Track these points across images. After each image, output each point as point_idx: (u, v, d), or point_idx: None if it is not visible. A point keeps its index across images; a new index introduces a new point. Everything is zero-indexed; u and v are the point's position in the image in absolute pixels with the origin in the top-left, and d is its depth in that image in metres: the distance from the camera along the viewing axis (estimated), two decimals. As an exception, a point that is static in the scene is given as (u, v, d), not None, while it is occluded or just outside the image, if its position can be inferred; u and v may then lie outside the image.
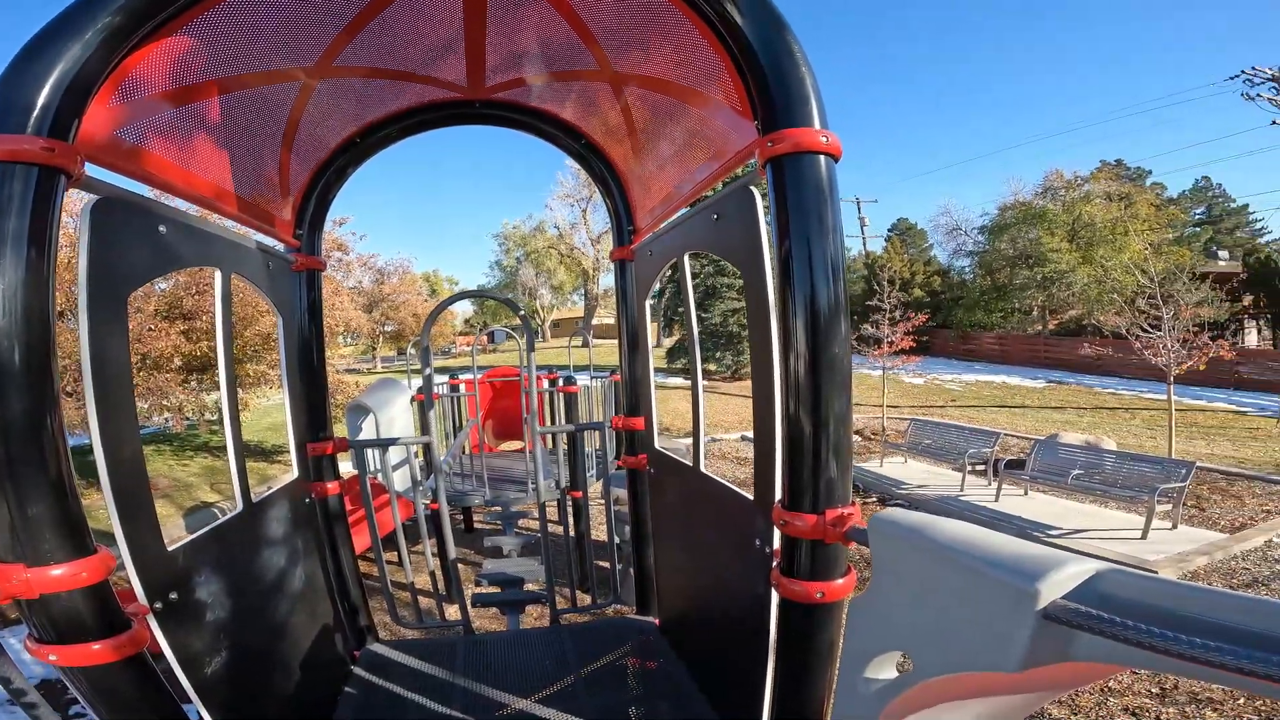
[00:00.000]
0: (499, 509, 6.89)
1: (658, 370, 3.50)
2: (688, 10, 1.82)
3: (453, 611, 5.36)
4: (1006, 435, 12.16)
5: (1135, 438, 14.40)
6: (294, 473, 3.05)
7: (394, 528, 3.83)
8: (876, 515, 1.48)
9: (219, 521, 2.35)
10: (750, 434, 14.18)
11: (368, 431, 6.48)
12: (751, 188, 2.11)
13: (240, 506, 2.47)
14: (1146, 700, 4.41)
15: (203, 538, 2.18)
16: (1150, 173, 39.84)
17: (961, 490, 9.98)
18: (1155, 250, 24.85)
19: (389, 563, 5.03)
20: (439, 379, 8.87)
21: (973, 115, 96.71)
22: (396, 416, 6.89)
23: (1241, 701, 4.32)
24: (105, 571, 1.54)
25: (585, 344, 13.89)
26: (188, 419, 13.05)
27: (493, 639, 3.56)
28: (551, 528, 6.51)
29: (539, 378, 7.88)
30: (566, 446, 6.71)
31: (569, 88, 2.95)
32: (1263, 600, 0.90)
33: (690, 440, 2.96)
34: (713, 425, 16.59)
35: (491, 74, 2.84)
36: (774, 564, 1.96)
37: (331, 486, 3.22)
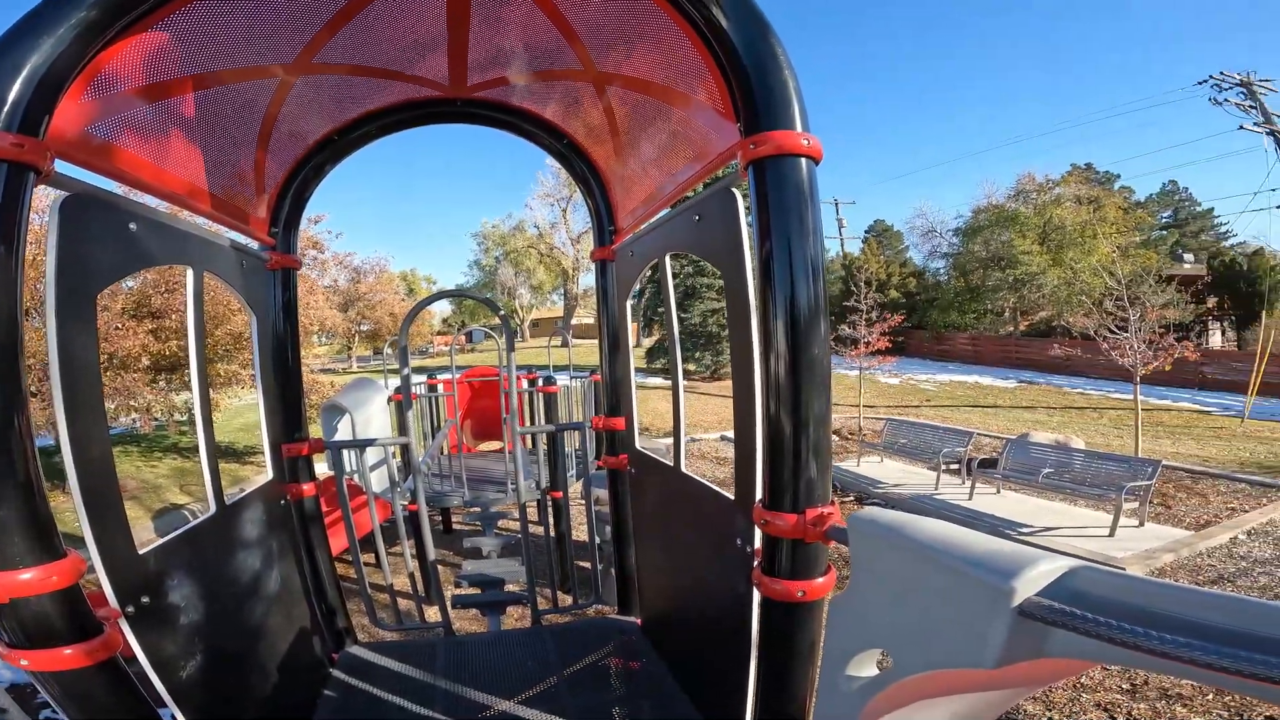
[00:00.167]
0: (478, 510, 6.85)
1: (637, 370, 3.51)
2: (672, 12, 1.83)
3: (432, 613, 5.31)
4: (979, 434, 12.35)
5: (1103, 437, 14.73)
6: (268, 474, 3.00)
7: (371, 529, 3.79)
8: (855, 514, 1.50)
9: (192, 524, 2.30)
10: (729, 434, 14.28)
11: (344, 432, 6.39)
12: (733, 189, 2.12)
13: (214, 509, 2.43)
14: (1118, 696, 4.52)
15: (175, 541, 2.14)
16: (1119, 176, 40.82)
17: (936, 489, 10.13)
18: (1123, 253, 25.43)
19: (367, 564, 4.97)
20: (417, 379, 8.79)
21: (953, 116, 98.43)
22: (373, 417, 6.81)
23: (1210, 697, 4.43)
24: (76, 575, 1.51)
25: (565, 344, 13.85)
26: (156, 419, 12.77)
27: (474, 640, 3.53)
28: (532, 528, 6.48)
29: (518, 378, 7.85)
30: (546, 447, 6.69)
31: (552, 87, 2.94)
32: (1230, 596, 0.93)
33: (670, 440, 2.97)
34: (692, 425, 16.64)
35: (473, 73, 2.82)
36: (755, 563, 1.97)
37: (307, 488, 3.17)
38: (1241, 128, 19.84)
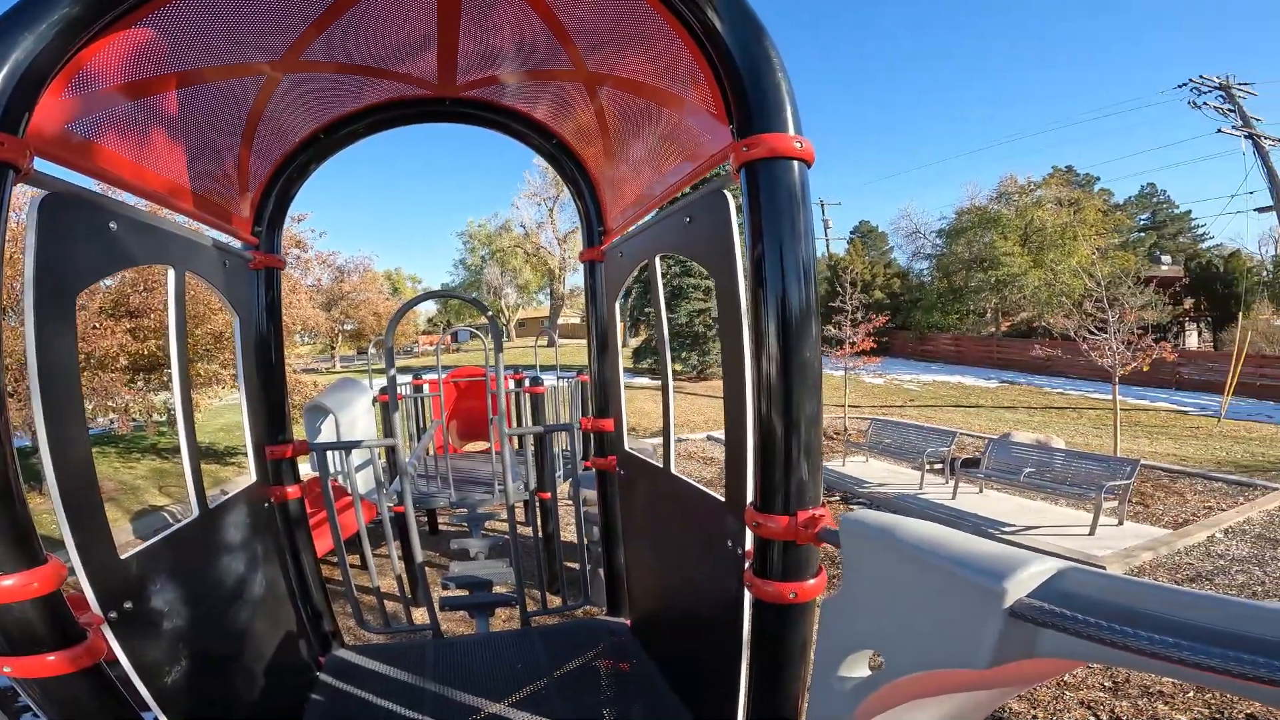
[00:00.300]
0: (464, 511, 6.81)
1: (623, 370, 3.51)
2: (666, 14, 1.83)
3: (419, 615, 5.27)
4: (962, 434, 12.49)
5: (1083, 436, 14.94)
6: (252, 476, 2.96)
7: (356, 530, 3.75)
8: (846, 517, 1.51)
9: (174, 528, 2.27)
10: (715, 434, 14.31)
11: (327, 433, 6.32)
12: (725, 191, 2.13)
13: (196, 512, 2.39)
14: (1100, 694, 4.58)
15: (157, 545, 2.11)
16: (1099, 179, 41.40)
17: (920, 489, 10.22)
18: (1102, 255, 25.84)
19: (352, 566, 4.92)
20: (402, 379, 8.72)
21: (939, 117, 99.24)
22: (358, 418, 6.74)
23: (1191, 694, 4.49)
24: (57, 581, 1.48)
25: (551, 343, 13.80)
26: (134, 420, 12.56)
27: (462, 642, 3.51)
28: (520, 529, 6.45)
29: (505, 378, 7.81)
30: (534, 447, 6.67)
31: (543, 87, 2.92)
32: (1214, 596, 0.95)
33: (656, 441, 2.97)
34: (679, 425, 16.67)
35: (463, 72, 2.80)
36: (746, 565, 1.98)
37: (292, 490, 3.14)
38: (1220, 131, 20.15)
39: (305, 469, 4.00)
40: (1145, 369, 12.52)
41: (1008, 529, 8.27)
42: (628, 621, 3.56)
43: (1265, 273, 31.98)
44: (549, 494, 6.36)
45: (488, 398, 7.03)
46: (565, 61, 2.56)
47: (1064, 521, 8.50)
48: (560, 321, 47.70)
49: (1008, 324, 34.75)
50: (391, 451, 5.82)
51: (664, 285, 2.91)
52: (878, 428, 12.57)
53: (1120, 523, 8.30)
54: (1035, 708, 4.47)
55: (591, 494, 3.95)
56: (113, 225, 1.96)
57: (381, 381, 7.49)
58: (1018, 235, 32.96)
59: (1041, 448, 10.14)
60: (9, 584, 1.39)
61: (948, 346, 33.07)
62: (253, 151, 2.77)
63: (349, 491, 5.17)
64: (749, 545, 1.99)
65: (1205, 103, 20.18)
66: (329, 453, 4.12)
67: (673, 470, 2.83)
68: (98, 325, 10.83)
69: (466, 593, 4.43)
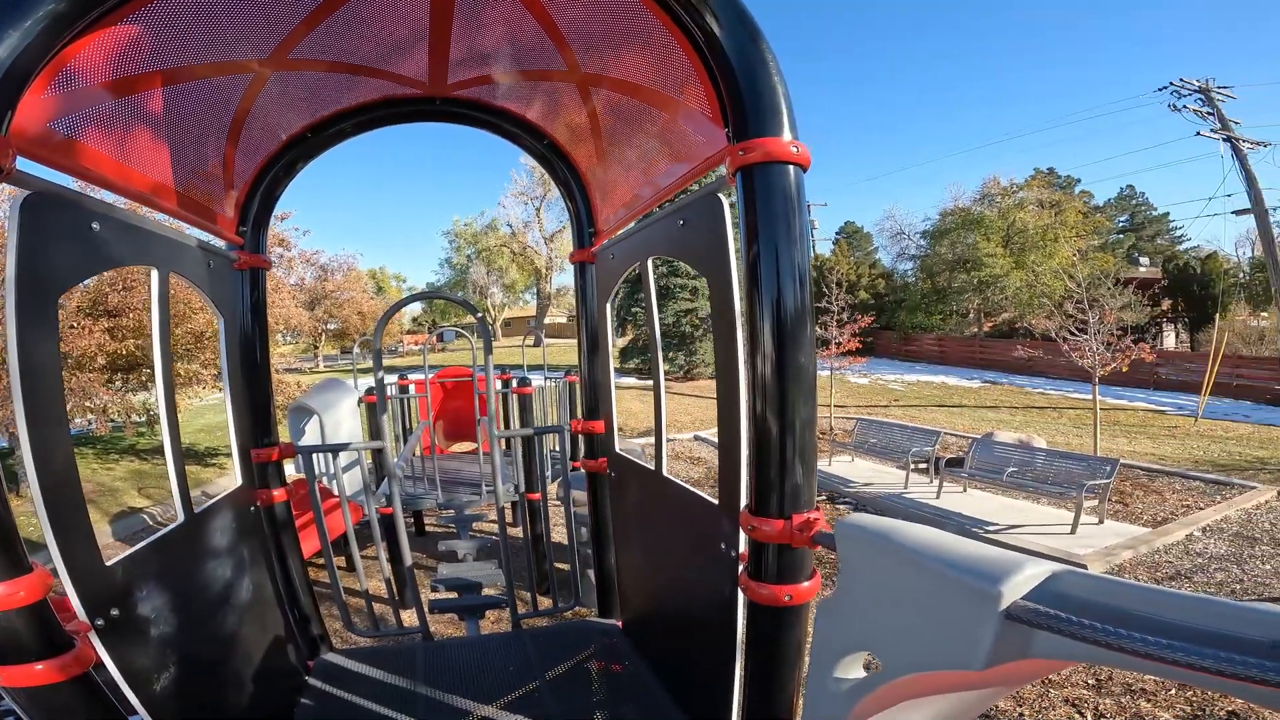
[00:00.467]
0: (451, 512, 6.77)
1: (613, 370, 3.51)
2: (662, 15, 1.83)
3: (408, 617, 5.23)
4: (946, 434, 12.60)
5: (1063, 436, 15.14)
6: (237, 479, 2.92)
7: (343, 531, 3.71)
8: (842, 520, 1.52)
9: (159, 534, 2.23)
10: (703, 434, 14.33)
11: (312, 434, 6.26)
12: (719, 195, 2.13)
13: (181, 517, 2.36)
14: (1084, 692, 4.64)
15: (143, 551, 2.08)
16: (1079, 181, 42.02)
17: (905, 488, 10.31)
18: (1082, 256, 26.22)
19: (340, 569, 4.87)
20: (388, 379, 8.63)
21: (929, 118, 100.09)
22: (343, 420, 6.68)
23: (1174, 692, 4.57)
24: (44, 590, 1.46)
25: (538, 343, 13.76)
26: (113, 420, 12.35)
27: (453, 645, 3.49)
28: (509, 530, 6.43)
29: (493, 378, 7.77)
30: (522, 448, 6.64)
31: (535, 88, 2.91)
32: (1201, 598, 0.96)
33: (643, 441, 2.97)
34: (666, 425, 16.64)
35: (455, 71, 2.77)
36: (740, 567, 1.98)
37: (278, 493, 3.10)
38: (1199, 134, 20.40)
39: (290, 470, 3.95)
40: (1124, 369, 12.72)
41: (991, 528, 8.37)
42: (619, 623, 3.56)
43: (1241, 274, 32.67)
44: (538, 494, 6.34)
45: (474, 398, 6.99)
46: (559, 62, 2.55)
47: (1046, 520, 8.61)
48: (546, 321, 47.57)
49: (990, 325, 35.18)
50: (379, 453, 5.77)
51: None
52: (863, 427, 12.66)
53: (1101, 521, 8.43)
54: (1021, 705, 4.52)
55: (581, 495, 3.94)
56: (96, 226, 1.93)
57: (366, 381, 7.42)
58: (1000, 237, 33.37)
59: (1024, 447, 10.26)
60: None
61: (931, 347, 33.41)
62: (239, 150, 2.73)
63: (335, 493, 5.11)
64: (743, 548, 1.99)
65: (1185, 106, 20.43)
66: (315, 455, 4.08)
67: (665, 473, 2.83)
68: (75, 324, 10.65)
69: (456, 595, 4.40)
